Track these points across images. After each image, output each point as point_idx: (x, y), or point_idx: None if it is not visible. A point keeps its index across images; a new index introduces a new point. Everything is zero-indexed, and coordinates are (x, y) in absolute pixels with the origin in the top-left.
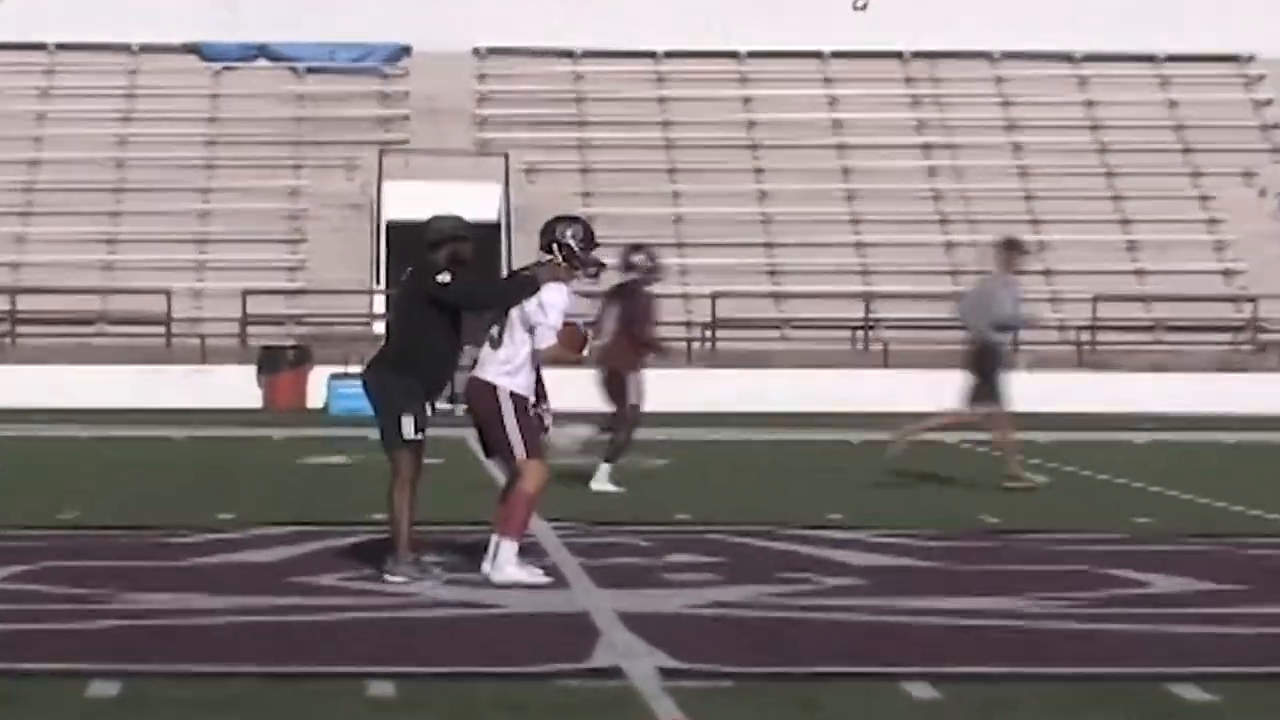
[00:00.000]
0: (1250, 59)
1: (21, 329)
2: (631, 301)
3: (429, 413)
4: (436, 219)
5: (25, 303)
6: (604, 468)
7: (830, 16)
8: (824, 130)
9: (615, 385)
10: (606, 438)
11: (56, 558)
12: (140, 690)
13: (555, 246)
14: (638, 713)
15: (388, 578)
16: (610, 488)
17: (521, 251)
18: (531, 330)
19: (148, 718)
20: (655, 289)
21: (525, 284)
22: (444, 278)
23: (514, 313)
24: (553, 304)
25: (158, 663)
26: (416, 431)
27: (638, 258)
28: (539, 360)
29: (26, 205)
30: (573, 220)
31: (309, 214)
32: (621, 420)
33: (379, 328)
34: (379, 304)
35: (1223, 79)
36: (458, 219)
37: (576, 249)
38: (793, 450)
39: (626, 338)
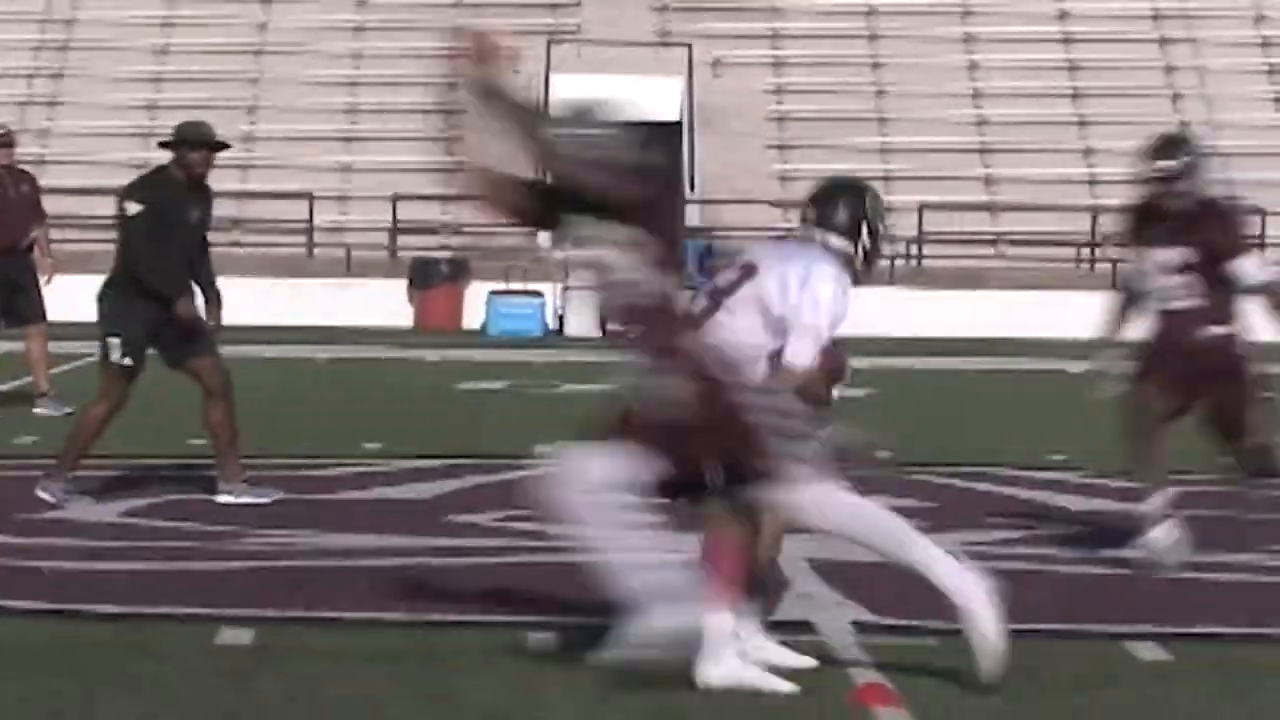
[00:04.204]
0: None
1: None
2: None
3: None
4: (185, 122)
5: None
6: None
7: None
8: (1047, 20)
9: None
10: None
11: (185, 490)
12: (276, 639)
13: (862, 228)
14: (830, 672)
15: (39, 494)
16: None
17: (707, 155)
18: (777, 327)
19: (284, 670)
20: None
21: (178, 303)
22: (131, 208)
23: (748, 289)
24: (827, 300)
25: (295, 609)
26: (124, 356)
27: None
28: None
29: (154, 99)
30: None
31: (468, 110)
32: None
33: (544, 240)
34: None
35: None
36: (204, 125)
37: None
38: (1007, 381)
39: None
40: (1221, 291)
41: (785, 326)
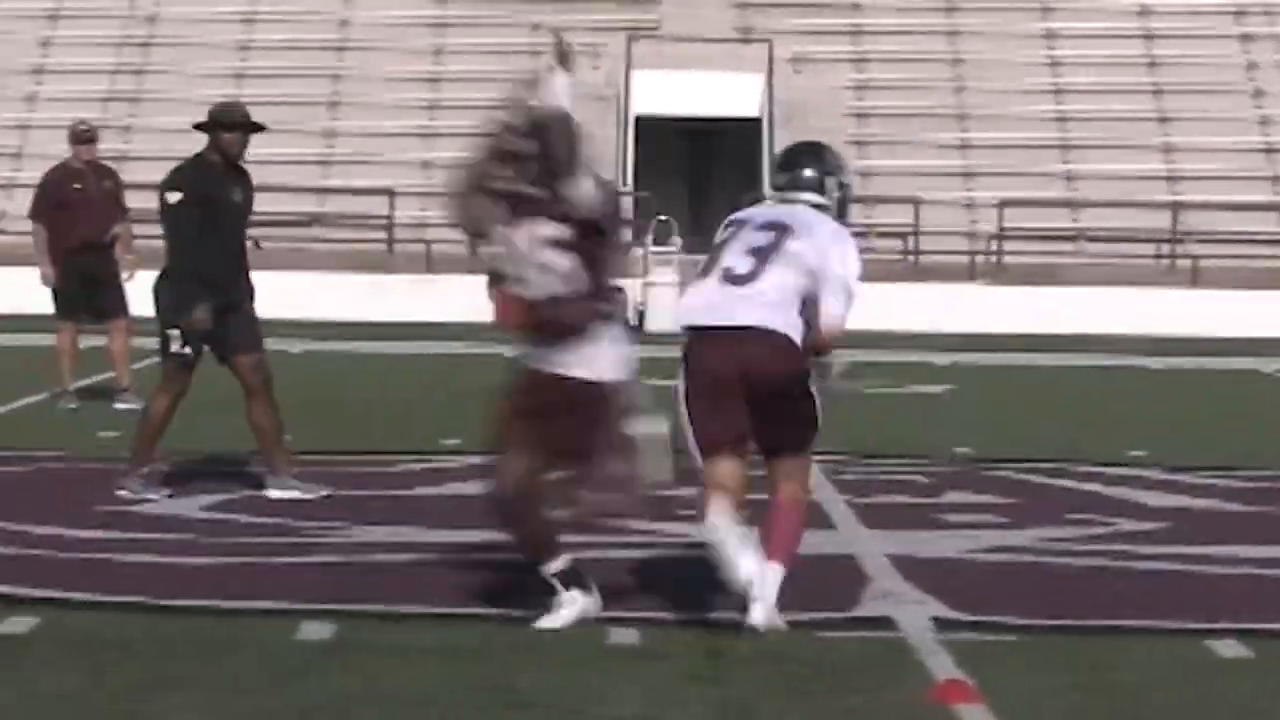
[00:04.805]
0: None
1: None
2: None
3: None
4: (218, 104)
5: None
6: None
7: None
8: (1128, 15)
9: None
10: None
11: (266, 485)
12: (356, 633)
13: (827, 183)
14: (909, 668)
15: (117, 492)
16: None
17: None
18: (808, 293)
19: (364, 663)
20: (941, 196)
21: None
22: (172, 197)
23: (794, 244)
24: (855, 259)
25: (375, 603)
26: (184, 346)
27: None
28: (819, 341)
29: (235, 95)
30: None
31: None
32: None
33: (625, 235)
34: (625, 207)
35: None
36: (238, 106)
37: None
38: (1088, 377)
39: None
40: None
41: (820, 286)
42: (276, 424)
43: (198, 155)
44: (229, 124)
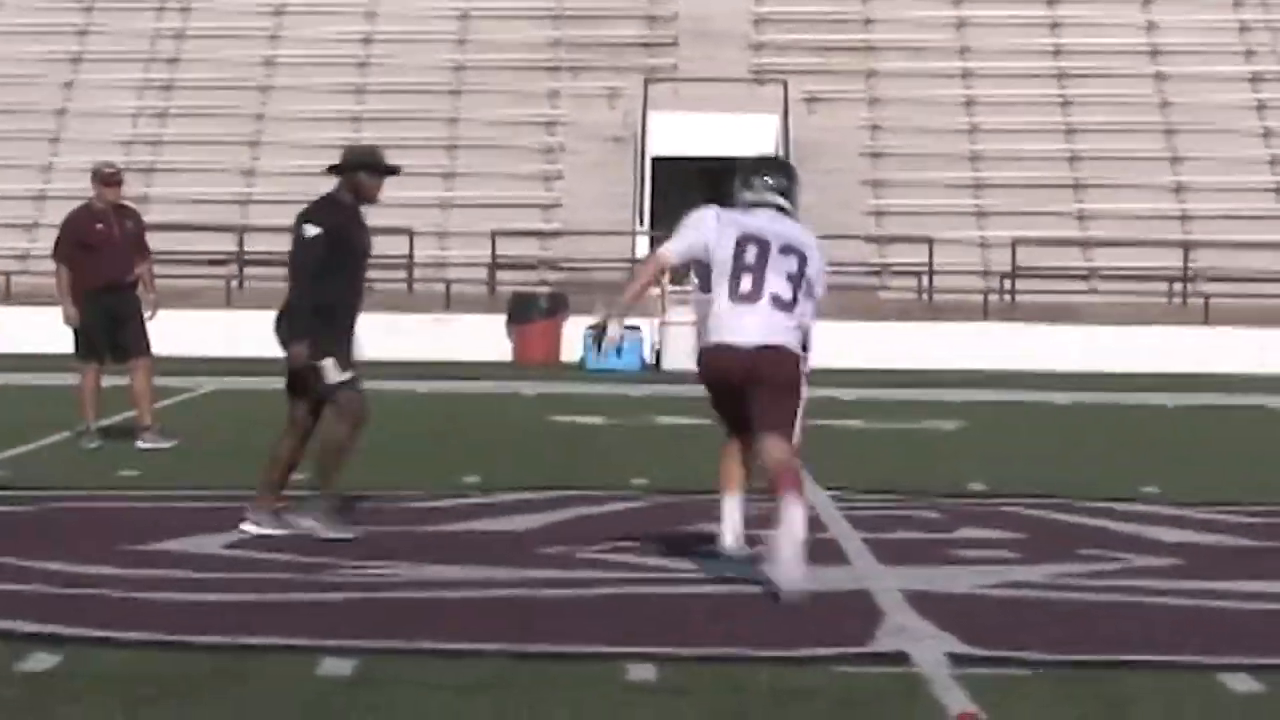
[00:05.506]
0: None
1: (250, 271)
2: None
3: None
4: (353, 146)
5: (253, 242)
6: None
7: None
8: (1140, 58)
9: None
10: None
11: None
12: (376, 669)
13: (792, 190)
14: (924, 703)
15: (243, 526)
16: None
17: (801, 191)
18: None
19: (384, 699)
20: (955, 234)
21: (294, 345)
22: (310, 230)
23: (810, 269)
24: (824, 269)
25: (395, 639)
26: (343, 371)
27: None
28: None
29: (256, 135)
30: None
31: (566, 147)
32: None
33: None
34: (642, 247)
35: None
36: (373, 150)
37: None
38: (1100, 414)
39: None
40: None
41: (808, 290)
42: (294, 465)
43: (331, 194)
44: (374, 167)
